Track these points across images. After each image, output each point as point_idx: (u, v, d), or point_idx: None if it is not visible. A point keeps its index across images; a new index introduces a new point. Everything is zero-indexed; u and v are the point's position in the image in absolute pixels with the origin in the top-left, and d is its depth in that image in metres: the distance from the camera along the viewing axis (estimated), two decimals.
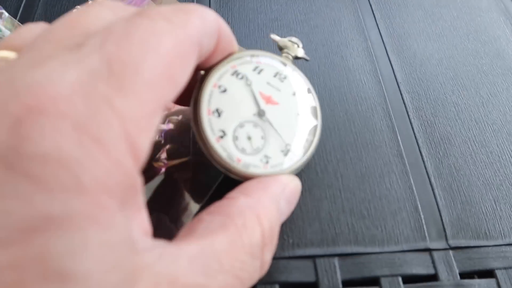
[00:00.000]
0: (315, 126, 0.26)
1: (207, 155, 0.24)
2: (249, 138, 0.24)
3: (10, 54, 0.19)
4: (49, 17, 0.36)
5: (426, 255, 0.26)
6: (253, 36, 0.35)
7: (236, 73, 0.25)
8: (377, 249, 0.26)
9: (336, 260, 0.25)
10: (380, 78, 0.33)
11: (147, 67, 0.15)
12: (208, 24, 0.19)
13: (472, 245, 0.26)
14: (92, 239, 0.13)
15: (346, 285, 0.25)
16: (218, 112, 0.24)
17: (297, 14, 0.37)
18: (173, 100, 0.19)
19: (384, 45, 0.36)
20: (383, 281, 0.25)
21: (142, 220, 0.16)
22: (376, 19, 0.38)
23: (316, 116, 0.26)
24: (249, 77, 0.25)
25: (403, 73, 0.34)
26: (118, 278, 0.13)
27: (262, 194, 0.21)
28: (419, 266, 0.25)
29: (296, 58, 0.28)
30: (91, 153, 0.13)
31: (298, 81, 0.26)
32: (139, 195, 0.16)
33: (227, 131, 0.23)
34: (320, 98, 0.31)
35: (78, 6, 0.36)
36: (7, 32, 0.33)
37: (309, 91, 0.26)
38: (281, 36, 0.29)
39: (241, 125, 0.24)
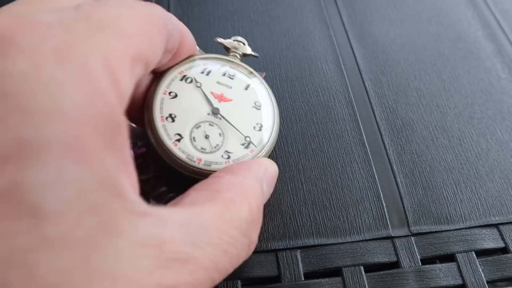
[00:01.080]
0: (272, 114, 0.26)
1: (167, 160, 0.24)
2: (206, 137, 0.24)
3: None
4: None
5: (388, 243, 0.26)
6: (213, 28, 0.35)
7: (184, 78, 0.25)
8: (339, 240, 0.26)
9: (298, 253, 0.25)
10: (342, 66, 0.33)
11: (124, 20, 0.15)
12: (172, 19, 0.19)
13: (433, 230, 0.27)
14: (68, 173, 0.12)
15: (308, 277, 0.25)
16: (172, 117, 0.24)
17: (257, 5, 0.37)
18: (152, 64, 0.19)
19: (347, 33, 0.35)
20: (345, 271, 0.25)
21: (129, 172, 0.15)
22: (338, 6, 0.37)
23: (272, 105, 0.26)
24: (198, 79, 0.25)
25: (365, 60, 0.34)
26: (94, 223, 0.12)
27: (247, 173, 0.21)
28: (381, 254, 0.26)
29: (245, 55, 0.28)
30: (72, 78, 0.13)
31: (248, 75, 0.27)
32: (125, 140, 0.15)
33: (183, 134, 0.24)
34: (281, 90, 0.31)
35: None
36: None
37: (260, 82, 0.27)
38: (228, 37, 0.29)
39: (197, 126, 0.24)
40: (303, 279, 0.24)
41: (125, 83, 0.15)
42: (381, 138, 0.30)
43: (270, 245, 0.25)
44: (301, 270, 0.25)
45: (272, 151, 0.27)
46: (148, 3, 0.18)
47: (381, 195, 0.28)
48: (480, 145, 0.30)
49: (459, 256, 0.26)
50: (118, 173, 0.14)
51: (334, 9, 0.37)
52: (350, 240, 0.26)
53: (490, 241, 0.26)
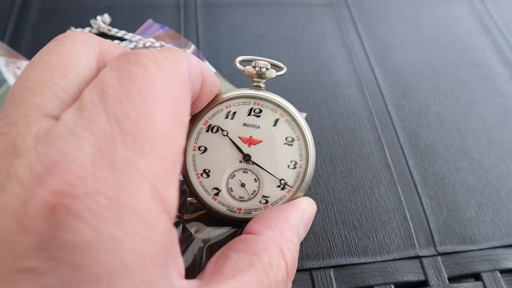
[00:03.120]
0: (305, 147, 0.25)
1: (209, 212, 0.25)
2: (242, 185, 0.25)
3: None
4: (38, 39, 0.36)
5: (416, 262, 0.27)
6: (241, 53, 0.36)
7: (210, 128, 0.25)
8: (370, 259, 0.27)
9: (331, 272, 0.26)
10: (366, 91, 0.35)
11: (157, 119, 0.15)
12: (193, 64, 0.19)
13: (459, 250, 0.28)
14: None
15: None
16: (206, 173, 0.24)
17: (282, 30, 0.38)
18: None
19: (368, 58, 0.37)
20: None
21: (179, 265, 0.17)
22: (359, 32, 0.39)
23: (305, 136, 0.25)
24: (223, 127, 0.25)
25: (387, 85, 0.35)
26: None
27: (284, 225, 0.22)
28: (410, 273, 0.27)
29: (270, 79, 0.26)
30: (130, 228, 0.13)
31: (274, 109, 0.25)
32: (176, 243, 0.16)
33: (220, 187, 0.25)
34: (309, 114, 0.32)
35: (72, 28, 0.36)
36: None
37: (287, 112, 0.25)
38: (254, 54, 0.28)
39: (231, 176, 0.25)
40: None
41: (171, 196, 0.15)
42: (406, 160, 0.31)
43: (305, 264, 0.26)
44: None
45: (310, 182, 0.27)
46: (169, 54, 0.17)
47: (408, 216, 0.29)
48: (500, 168, 0.31)
49: (484, 275, 0.27)
50: (174, 281, 0.16)
51: (355, 34, 0.39)
52: (380, 260, 0.27)
53: None
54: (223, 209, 0.25)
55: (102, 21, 0.37)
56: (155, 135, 0.15)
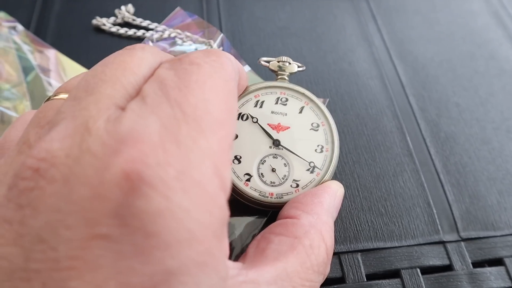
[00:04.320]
0: (330, 132, 0.27)
1: (241, 199, 0.26)
2: (273, 170, 0.26)
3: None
4: (62, 29, 0.36)
5: (440, 247, 0.28)
6: (264, 44, 0.37)
7: (240, 116, 0.26)
8: (396, 244, 0.28)
9: (359, 256, 0.27)
10: (386, 81, 0.35)
11: (214, 106, 0.16)
12: (235, 63, 0.20)
13: (481, 236, 0.29)
14: (203, 285, 0.14)
15: (370, 278, 0.26)
16: (238, 159, 0.25)
17: (303, 22, 0.39)
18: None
19: (388, 50, 0.38)
20: (404, 273, 0.27)
21: (226, 246, 0.17)
22: (378, 25, 0.40)
23: (329, 122, 0.27)
24: (253, 114, 0.26)
25: (407, 76, 0.36)
26: None
27: (320, 209, 0.23)
28: (435, 258, 0.27)
29: (292, 74, 0.29)
30: (195, 201, 0.14)
31: (299, 97, 0.27)
32: (226, 223, 0.17)
33: (252, 172, 0.25)
34: (332, 103, 0.33)
35: (98, 17, 0.37)
36: (24, 46, 0.34)
37: (311, 100, 0.27)
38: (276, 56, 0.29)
39: (262, 162, 0.26)
40: (365, 280, 0.26)
41: (228, 176, 0.16)
42: (427, 149, 0.32)
43: (334, 249, 0.27)
44: (363, 272, 0.26)
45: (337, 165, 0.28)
46: (215, 55, 0.18)
47: (431, 203, 0.29)
48: None
49: (507, 261, 0.28)
50: (226, 258, 0.16)
51: (374, 27, 0.39)
52: (406, 244, 0.28)
53: None
54: (255, 195, 0.25)
55: (127, 10, 0.37)
56: (214, 119, 0.16)
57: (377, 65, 0.36)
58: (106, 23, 0.37)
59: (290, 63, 0.28)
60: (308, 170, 0.26)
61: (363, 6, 0.41)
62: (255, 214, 0.27)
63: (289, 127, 0.26)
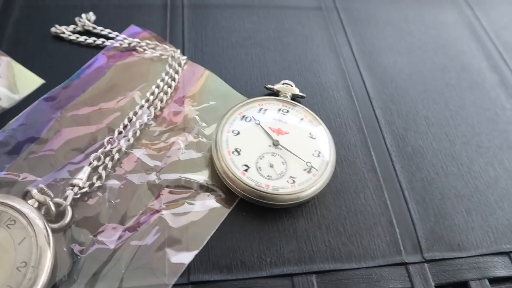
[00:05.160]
0: (328, 141, 0.29)
1: (238, 188, 0.26)
2: (271, 165, 0.27)
3: None
4: (20, 36, 0.35)
5: (402, 269, 0.26)
6: (226, 54, 0.35)
7: (244, 118, 0.29)
8: (354, 265, 0.26)
9: (314, 278, 0.25)
10: (353, 94, 0.34)
11: None
12: None
13: (446, 257, 0.27)
14: None
15: None
16: (237, 151, 0.27)
17: (269, 32, 0.37)
18: None
19: (356, 61, 0.36)
20: None
21: None
22: (348, 35, 0.38)
23: (326, 134, 0.29)
24: (256, 117, 0.29)
25: (375, 88, 0.35)
26: None
27: None
28: (395, 280, 0.26)
29: (294, 96, 0.32)
30: None
31: (299, 110, 0.30)
32: None
33: (250, 164, 0.27)
34: None
35: (57, 25, 0.35)
36: None
37: (311, 114, 0.30)
38: (275, 83, 0.33)
39: (261, 157, 0.27)
40: None
41: None
42: (392, 165, 0.30)
43: (286, 270, 0.25)
44: None
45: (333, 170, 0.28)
46: None
47: (394, 221, 0.28)
48: (489, 173, 0.31)
49: (472, 284, 0.26)
50: None
51: (343, 37, 0.38)
52: (365, 266, 0.26)
53: (503, 269, 0.27)
54: (251, 183, 0.26)
55: (87, 19, 0.36)
56: None
57: (344, 76, 0.35)
58: (65, 31, 0.36)
59: (292, 86, 0.32)
60: (305, 170, 0.27)
61: (333, 16, 0.40)
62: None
63: (288, 132, 0.29)
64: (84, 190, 0.27)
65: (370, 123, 0.32)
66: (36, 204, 0.25)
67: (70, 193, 0.26)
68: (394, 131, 0.32)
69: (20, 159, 0.28)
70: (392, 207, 0.28)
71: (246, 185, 0.26)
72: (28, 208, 0.24)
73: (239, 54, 0.35)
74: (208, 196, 0.27)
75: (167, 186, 0.27)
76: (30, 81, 0.32)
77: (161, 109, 0.31)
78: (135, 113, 0.30)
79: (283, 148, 0.28)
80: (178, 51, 0.34)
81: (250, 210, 0.27)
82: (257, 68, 0.35)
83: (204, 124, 0.30)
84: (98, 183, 0.27)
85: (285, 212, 0.27)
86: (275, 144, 0.28)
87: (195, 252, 0.25)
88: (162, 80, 0.32)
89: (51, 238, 0.24)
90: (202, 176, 0.28)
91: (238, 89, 0.33)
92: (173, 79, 0.33)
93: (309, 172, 0.27)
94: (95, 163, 0.28)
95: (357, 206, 0.28)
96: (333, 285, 0.25)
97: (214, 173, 0.28)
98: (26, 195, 0.26)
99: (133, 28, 0.36)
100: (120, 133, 0.29)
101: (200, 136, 0.30)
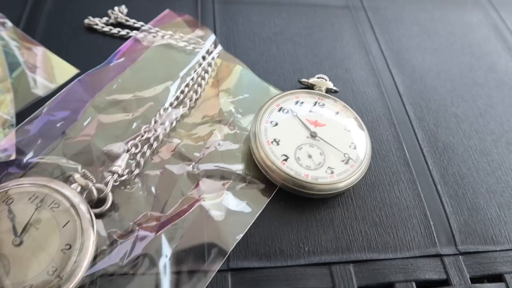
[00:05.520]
0: (364, 134, 0.29)
1: (277, 177, 0.27)
2: (309, 156, 0.28)
3: None
4: (53, 27, 0.36)
5: (437, 261, 0.26)
6: (258, 48, 0.36)
7: (281, 109, 0.30)
8: (390, 255, 0.26)
9: (351, 267, 0.25)
10: (383, 90, 0.34)
11: None
12: None
13: (480, 250, 0.27)
14: None
15: None
16: (276, 142, 0.28)
17: (300, 28, 0.38)
18: None
19: (385, 59, 0.37)
20: (398, 287, 0.25)
21: None
22: (376, 34, 0.39)
23: (362, 126, 0.30)
24: (293, 109, 0.30)
25: (405, 85, 0.35)
26: None
27: None
28: (431, 271, 0.26)
29: (328, 90, 0.32)
30: None
31: (335, 104, 0.31)
32: None
33: (289, 154, 0.27)
34: None
35: (90, 17, 0.36)
36: (12, 42, 0.33)
37: (346, 108, 0.30)
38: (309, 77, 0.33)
39: (299, 148, 0.28)
40: None
41: None
42: (424, 159, 0.31)
43: (324, 258, 0.25)
44: (355, 284, 0.25)
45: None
46: None
47: (428, 214, 0.28)
48: None
49: (507, 277, 0.26)
50: None
51: (372, 36, 0.39)
52: (401, 256, 0.26)
53: None
54: (291, 173, 0.26)
55: (120, 11, 0.37)
56: None
57: (374, 73, 0.36)
58: (98, 22, 0.36)
59: (326, 80, 0.33)
60: (343, 161, 0.27)
61: (361, 15, 0.40)
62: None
63: (325, 125, 0.29)
64: (124, 178, 0.27)
65: (401, 118, 0.33)
66: (78, 189, 0.26)
67: (110, 179, 0.26)
68: (424, 127, 0.33)
69: (58, 143, 0.28)
70: (426, 200, 0.29)
71: (286, 174, 0.26)
72: (71, 192, 0.25)
73: (270, 49, 0.36)
74: (247, 186, 0.28)
75: (205, 176, 0.27)
76: (65, 70, 0.33)
77: (196, 100, 0.31)
78: (171, 104, 0.31)
79: (320, 139, 0.28)
80: (212, 40, 0.34)
81: (288, 200, 0.27)
82: (289, 63, 0.35)
83: (239, 116, 0.31)
84: (136, 171, 0.27)
85: (321, 202, 0.28)
86: (313, 135, 0.29)
87: (235, 239, 0.25)
88: (196, 72, 0.33)
89: (94, 222, 0.24)
90: (240, 167, 0.28)
91: (271, 83, 0.33)
92: (207, 72, 0.33)
93: (346, 163, 0.27)
94: (133, 150, 0.28)
95: (392, 199, 0.29)
96: (370, 274, 0.25)
97: (252, 164, 0.28)
98: (67, 180, 0.26)
99: (168, 14, 0.36)
100: (156, 122, 0.30)
101: (236, 127, 0.30)
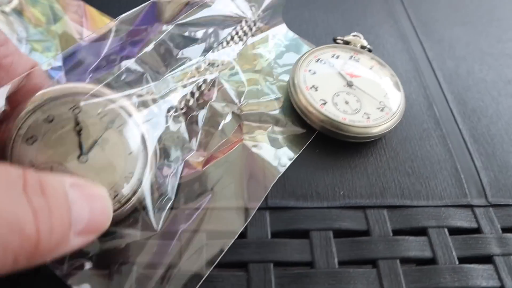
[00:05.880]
0: (397, 85, 0.30)
1: (315, 119, 0.28)
2: (346, 102, 0.29)
3: None
4: None
5: (468, 211, 0.27)
6: (291, 13, 0.37)
7: (319, 60, 0.31)
8: (423, 203, 0.27)
9: (385, 211, 0.26)
10: (412, 54, 0.35)
11: None
12: None
13: (511, 203, 0.28)
14: None
15: (395, 234, 0.25)
16: (315, 88, 0.29)
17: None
18: None
19: (414, 28, 0.38)
20: (431, 232, 0.26)
21: None
22: (405, 5, 0.40)
23: (396, 77, 0.31)
24: (330, 61, 0.31)
25: (434, 52, 0.36)
26: None
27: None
28: (462, 220, 0.26)
29: (362, 47, 0.33)
30: None
31: (369, 59, 0.32)
32: None
33: (327, 99, 0.29)
34: None
35: None
36: None
37: (380, 63, 0.32)
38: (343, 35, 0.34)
39: (336, 95, 0.29)
40: (391, 235, 0.25)
41: None
42: (454, 119, 0.31)
43: (358, 202, 0.26)
44: (389, 227, 0.25)
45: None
46: None
47: (459, 168, 0.29)
48: None
49: None
50: None
51: (401, 6, 0.40)
52: (433, 205, 0.27)
53: None
54: (330, 115, 0.28)
55: None
56: None
57: (403, 40, 0.36)
58: None
59: (360, 37, 0.34)
60: (378, 108, 0.29)
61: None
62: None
63: (360, 76, 0.31)
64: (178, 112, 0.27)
65: (430, 81, 0.34)
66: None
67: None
68: (454, 90, 0.33)
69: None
70: (456, 155, 0.29)
71: (325, 116, 0.28)
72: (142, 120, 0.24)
73: (303, 14, 0.37)
74: (287, 130, 0.28)
75: (247, 120, 0.28)
76: (104, 22, 0.34)
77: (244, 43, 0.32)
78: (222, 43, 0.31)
79: (357, 88, 0.30)
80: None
81: (323, 148, 0.28)
82: (321, 28, 0.36)
83: (279, 69, 0.32)
84: (185, 109, 0.27)
85: (355, 150, 0.28)
86: (349, 84, 0.30)
87: (274, 179, 0.26)
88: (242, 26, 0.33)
89: (158, 157, 0.24)
90: (279, 112, 0.29)
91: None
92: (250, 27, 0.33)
93: (382, 110, 0.29)
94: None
95: (423, 152, 0.29)
96: (403, 219, 0.26)
97: (291, 110, 0.29)
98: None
99: None
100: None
101: (275, 78, 0.31)
